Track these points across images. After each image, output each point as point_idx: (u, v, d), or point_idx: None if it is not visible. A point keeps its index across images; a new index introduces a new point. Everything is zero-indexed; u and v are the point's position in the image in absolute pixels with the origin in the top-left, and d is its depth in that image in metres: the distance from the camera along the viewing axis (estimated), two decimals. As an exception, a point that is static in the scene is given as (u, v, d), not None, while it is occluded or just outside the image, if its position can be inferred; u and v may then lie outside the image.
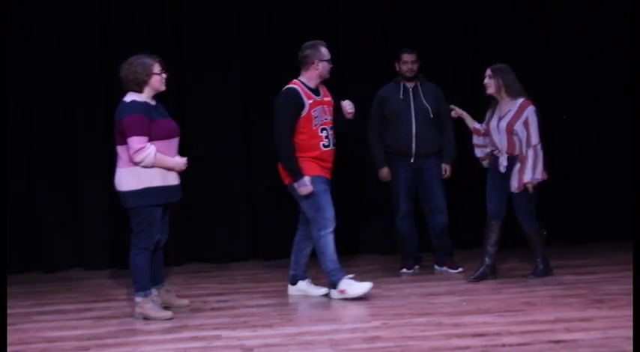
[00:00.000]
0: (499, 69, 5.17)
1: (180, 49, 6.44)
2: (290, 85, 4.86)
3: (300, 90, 4.80)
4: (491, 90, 5.19)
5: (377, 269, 5.97)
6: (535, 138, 5.09)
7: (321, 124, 4.82)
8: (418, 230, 5.87)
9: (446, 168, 5.67)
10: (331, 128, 4.90)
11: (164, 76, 4.52)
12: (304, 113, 4.76)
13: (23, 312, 4.83)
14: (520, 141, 5.12)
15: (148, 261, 4.48)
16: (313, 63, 4.84)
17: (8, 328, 4.34)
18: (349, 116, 4.99)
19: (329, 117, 4.90)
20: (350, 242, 6.67)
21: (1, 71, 6.13)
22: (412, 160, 5.65)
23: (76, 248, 6.38)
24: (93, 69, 6.24)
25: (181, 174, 4.58)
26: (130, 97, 4.45)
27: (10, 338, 4.13)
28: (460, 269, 5.67)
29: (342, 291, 4.79)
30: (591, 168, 6.89)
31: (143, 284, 4.48)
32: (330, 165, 4.92)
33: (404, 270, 5.78)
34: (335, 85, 6.56)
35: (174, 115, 6.36)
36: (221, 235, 6.27)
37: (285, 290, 5.17)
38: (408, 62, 5.66)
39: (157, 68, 4.48)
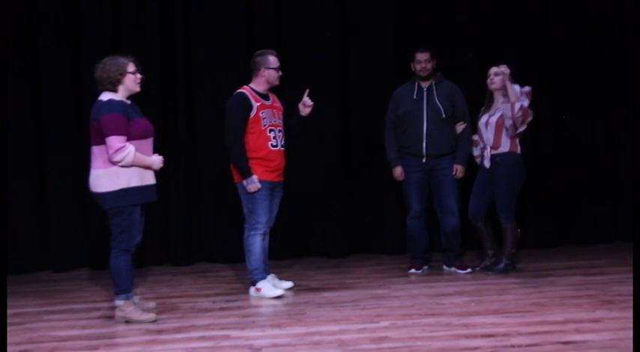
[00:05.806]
0: (504, 71, 5.41)
1: (188, 51, 6.45)
2: (239, 90, 5.08)
3: (249, 94, 5.02)
4: (495, 86, 5.47)
5: (386, 269, 5.96)
6: (525, 102, 5.33)
7: (270, 126, 5.02)
8: (429, 230, 5.87)
9: (457, 168, 5.64)
10: (280, 130, 5.10)
11: (139, 76, 4.44)
12: (252, 114, 4.98)
13: (33, 311, 4.85)
14: (507, 135, 5.41)
15: (129, 263, 4.44)
16: (260, 70, 5.07)
17: (19, 327, 4.39)
18: (307, 110, 5.15)
19: (278, 121, 5.11)
20: (358, 242, 6.68)
21: (10, 72, 6.16)
22: (424, 160, 5.65)
23: (86, 247, 6.40)
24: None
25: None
26: (106, 96, 4.37)
27: (20, 337, 4.16)
28: (469, 270, 5.66)
29: (258, 289, 5.05)
30: (602, 168, 6.87)
31: (124, 288, 4.45)
32: (276, 164, 5.07)
33: (412, 270, 5.78)
34: (342, 85, 6.62)
35: (183, 116, 6.44)
36: (230, 235, 6.27)
37: (294, 290, 5.20)
38: (421, 61, 5.65)
39: (130, 67, 4.41)
